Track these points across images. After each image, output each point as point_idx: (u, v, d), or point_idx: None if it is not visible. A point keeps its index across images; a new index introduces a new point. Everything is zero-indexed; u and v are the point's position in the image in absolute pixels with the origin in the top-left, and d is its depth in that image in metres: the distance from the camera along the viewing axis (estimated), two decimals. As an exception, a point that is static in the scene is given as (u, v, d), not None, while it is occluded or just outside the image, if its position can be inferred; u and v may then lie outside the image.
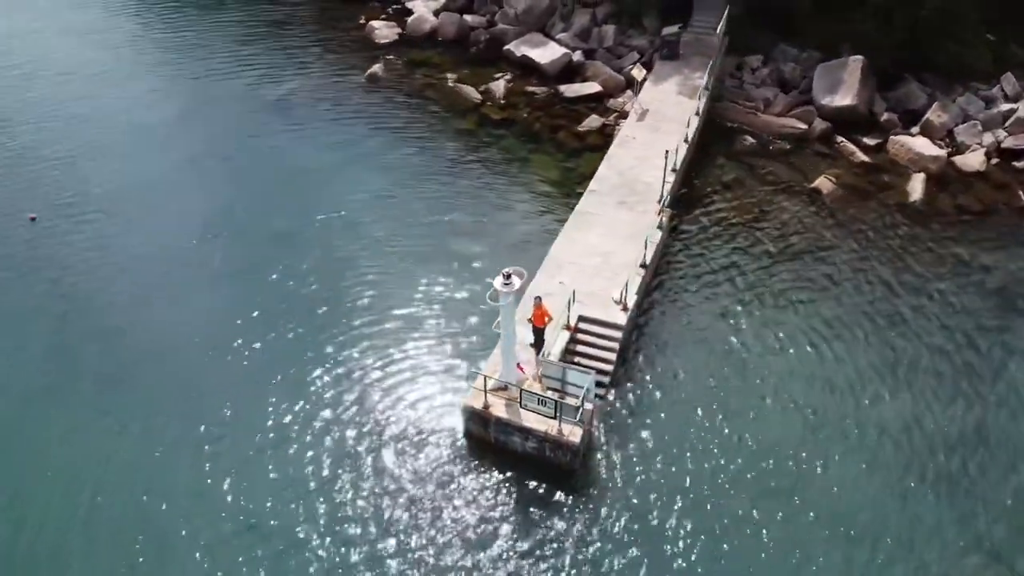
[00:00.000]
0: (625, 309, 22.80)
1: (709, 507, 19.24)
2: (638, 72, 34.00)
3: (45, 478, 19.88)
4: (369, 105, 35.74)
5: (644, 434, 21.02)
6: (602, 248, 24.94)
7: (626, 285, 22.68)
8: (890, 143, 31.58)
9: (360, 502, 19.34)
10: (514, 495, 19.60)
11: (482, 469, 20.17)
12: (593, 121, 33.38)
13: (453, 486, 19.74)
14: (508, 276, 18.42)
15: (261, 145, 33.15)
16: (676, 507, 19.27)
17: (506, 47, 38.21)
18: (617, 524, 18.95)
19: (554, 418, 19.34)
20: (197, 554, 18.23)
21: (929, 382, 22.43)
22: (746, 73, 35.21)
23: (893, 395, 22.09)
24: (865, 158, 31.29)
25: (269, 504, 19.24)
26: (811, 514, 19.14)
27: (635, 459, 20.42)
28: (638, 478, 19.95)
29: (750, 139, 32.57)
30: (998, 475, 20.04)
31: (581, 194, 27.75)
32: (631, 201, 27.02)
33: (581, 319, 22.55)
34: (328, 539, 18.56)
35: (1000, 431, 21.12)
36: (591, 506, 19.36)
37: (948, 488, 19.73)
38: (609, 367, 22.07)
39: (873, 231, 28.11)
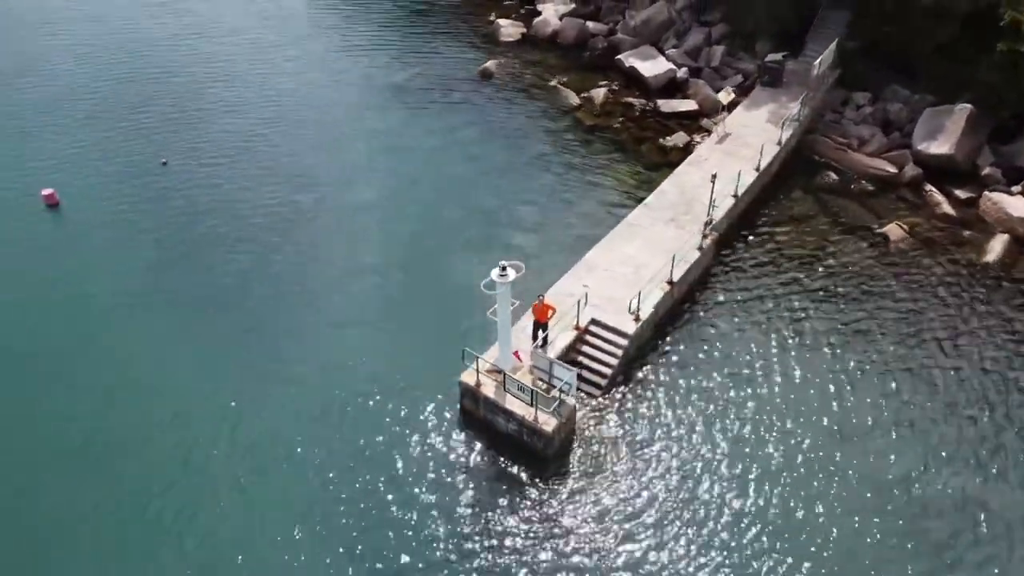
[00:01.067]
0: (637, 320, 23.79)
1: (661, 532, 19.83)
2: (725, 95, 34.15)
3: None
4: (474, 98, 38.06)
5: (624, 444, 21.93)
6: (637, 260, 25.91)
7: (639, 295, 23.64)
8: (983, 198, 30.12)
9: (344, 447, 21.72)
10: (485, 468, 21.29)
11: (465, 440, 22.00)
12: (679, 138, 34.03)
13: (434, 448, 21.69)
14: (504, 268, 20.05)
15: (369, 120, 36.38)
16: (628, 521, 20.12)
17: (618, 56, 39.34)
18: (568, 519, 20.10)
19: (531, 405, 20.83)
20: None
21: (944, 448, 21.71)
22: (849, 109, 34.49)
23: (900, 454, 21.66)
24: (950, 210, 30.07)
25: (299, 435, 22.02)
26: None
27: (607, 464, 21.40)
28: (604, 484, 20.91)
29: (833, 176, 32.03)
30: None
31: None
32: (683, 219, 27.70)
33: (592, 322, 23.79)
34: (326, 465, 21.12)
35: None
36: (551, 495, 20.65)
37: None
38: (608, 371, 23.20)
39: (935, 286, 27.17)
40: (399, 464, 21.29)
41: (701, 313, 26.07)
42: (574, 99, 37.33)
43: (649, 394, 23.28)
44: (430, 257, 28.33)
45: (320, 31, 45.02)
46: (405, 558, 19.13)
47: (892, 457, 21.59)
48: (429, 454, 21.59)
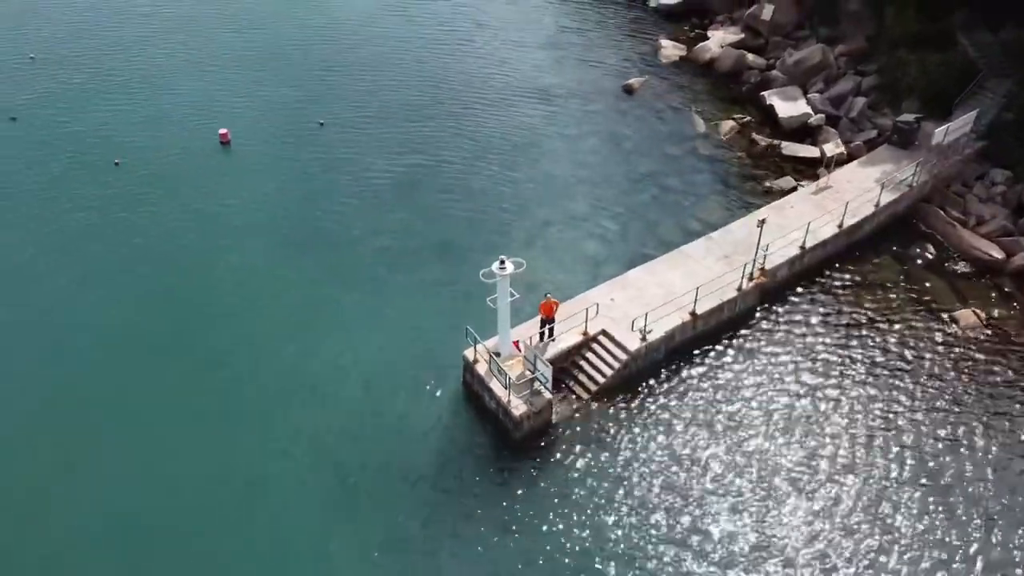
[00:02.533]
0: (643, 339, 25.09)
1: (607, 542, 21.27)
2: (834, 146, 33.30)
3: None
4: (610, 110, 39.94)
5: (593, 448, 23.60)
6: (674, 286, 26.97)
7: (646, 316, 24.91)
8: (1091, 307, 27.57)
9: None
10: (462, 433, 23.94)
11: (453, 407, 24.72)
12: (786, 182, 33.92)
13: (423, 409, 24.64)
14: (503, 262, 22.43)
15: (506, 114, 39.61)
16: (575, 517, 21.90)
17: (762, 92, 39.39)
18: (516, 499, 22.24)
19: (506, 388, 23.12)
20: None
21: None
22: (981, 185, 32.40)
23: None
24: (1046, 311, 27.88)
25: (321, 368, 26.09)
26: None
27: (563, 462, 23.24)
28: (561, 480, 22.76)
29: (932, 250, 30.60)
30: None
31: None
32: (737, 259, 28.07)
33: (602, 332, 25.44)
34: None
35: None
36: (505, 473, 22.91)
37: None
38: (601, 380, 24.82)
39: (993, 385, 25.61)
40: (405, 404, 24.71)
41: (723, 353, 26.62)
42: (701, 127, 38.11)
43: (631, 414, 24.56)
44: (492, 248, 31.02)
45: (487, 26, 48.75)
46: (355, 476, 22.49)
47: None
48: (432, 406, 24.73)
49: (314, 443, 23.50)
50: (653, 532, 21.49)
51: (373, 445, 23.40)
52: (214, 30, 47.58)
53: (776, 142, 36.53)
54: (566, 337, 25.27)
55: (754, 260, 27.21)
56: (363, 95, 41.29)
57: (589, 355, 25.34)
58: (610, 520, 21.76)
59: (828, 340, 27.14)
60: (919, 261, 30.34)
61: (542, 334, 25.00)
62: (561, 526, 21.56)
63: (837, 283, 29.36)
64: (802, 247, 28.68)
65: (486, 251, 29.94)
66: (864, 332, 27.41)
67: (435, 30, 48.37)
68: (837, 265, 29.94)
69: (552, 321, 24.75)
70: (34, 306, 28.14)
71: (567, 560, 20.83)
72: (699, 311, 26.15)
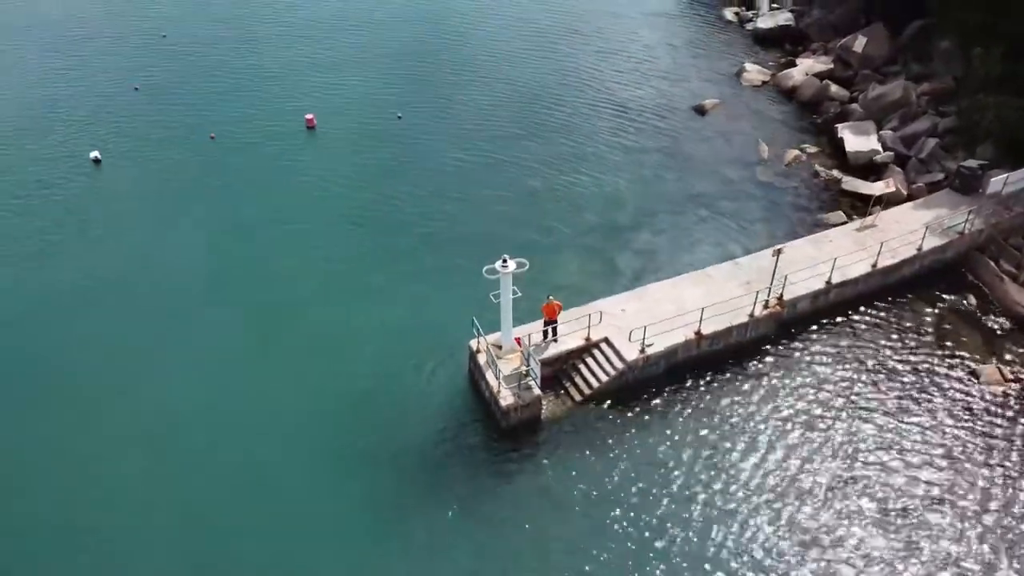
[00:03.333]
0: (642, 352, 25.91)
1: (562, 533, 22.33)
2: (884, 186, 32.51)
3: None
4: (678, 127, 40.47)
5: (576, 445, 24.63)
6: (686, 304, 27.51)
7: (644, 329, 25.70)
8: None
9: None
10: (455, 414, 25.54)
11: (455, 389, 26.37)
12: (836, 216, 33.55)
13: (427, 386, 26.44)
14: (505, 260, 23.84)
15: (576, 124, 40.91)
16: (540, 504, 23.10)
17: (837, 124, 38.87)
18: (489, 480, 23.66)
19: (496, 379, 24.57)
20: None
21: None
22: (1045, 240, 31.04)
23: None
24: (1082, 378, 26.57)
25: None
26: None
27: (550, 456, 24.40)
28: (536, 469, 24.02)
29: (973, 301, 29.64)
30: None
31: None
32: (758, 285, 28.21)
33: (604, 340, 26.43)
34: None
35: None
36: (485, 455, 24.36)
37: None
38: (596, 384, 25.82)
39: (995, 443, 24.74)
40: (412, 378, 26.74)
41: (725, 376, 26.93)
42: (765, 153, 38.07)
43: (619, 420, 25.43)
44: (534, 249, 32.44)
45: (580, 34, 49.97)
46: (346, 435, 24.61)
47: None
48: (436, 385, 26.59)
49: (318, 397, 25.84)
50: (613, 530, 22.33)
51: (372, 409, 25.41)
52: (314, 27, 51.31)
53: (838, 176, 36.10)
54: (569, 340, 26.42)
55: (770, 289, 27.41)
56: (443, 93, 43.64)
57: (588, 360, 26.38)
58: (572, 513, 22.78)
59: (836, 377, 26.96)
60: (957, 310, 29.45)
61: (545, 333, 26.27)
62: (522, 512, 22.81)
63: (861, 323, 28.98)
64: (827, 282, 28.55)
65: (523, 248, 30.80)
66: (876, 375, 27.03)
67: (528, 34, 50.31)
68: (866, 305, 29.50)
69: (555, 322, 25.98)
70: (127, 250, 32.34)
71: (520, 541, 22.10)
72: (705, 331, 26.65)
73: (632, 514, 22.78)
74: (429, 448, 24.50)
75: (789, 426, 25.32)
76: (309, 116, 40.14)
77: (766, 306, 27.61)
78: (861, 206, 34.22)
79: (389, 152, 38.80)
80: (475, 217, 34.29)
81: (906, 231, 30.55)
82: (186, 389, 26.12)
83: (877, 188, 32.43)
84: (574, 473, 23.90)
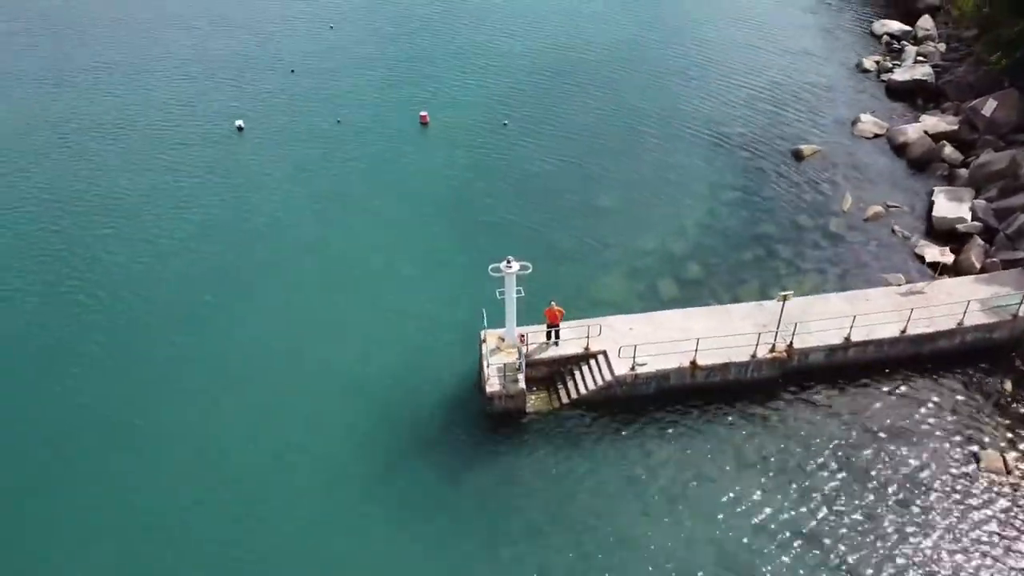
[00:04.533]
0: (632, 369, 27.33)
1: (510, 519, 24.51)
2: (939, 254, 31.18)
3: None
4: (768, 168, 40.42)
5: (552, 440, 26.68)
6: (692, 332, 28.44)
7: (635, 349, 27.06)
8: None
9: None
10: (454, 394, 28.18)
11: (464, 372, 28.96)
12: (894, 278, 32.64)
13: (439, 362, 29.26)
14: (509, 261, 26.20)
15: (673, 152, 42.09)
16: (502, 483, 25.40)
17: (935, 187, 37.54)
18: (466, 459, 26.16)
19: (487, 367, 27.00)
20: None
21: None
22: (1113, 338, 28.87)
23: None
24: (1098, 484, 24.85)
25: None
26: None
27: (524, 445, 26.59)
28: (509, 452, 26.31)
29: (1008, 385, 28.30)
30: None
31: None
32: (768, 327, 28.54)
33: (602, 352, 28.07)
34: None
35: None
36: (468, 436, 26.86)
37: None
38: (583, 391, 27.59)
39: (973, 531, 23.98)
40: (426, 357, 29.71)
41: (714, 410, 27.71)
42: (847, 205, 37.48)
43: (598, 426, 27.10)
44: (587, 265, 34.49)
45: (701, 58, 50.67)
46: (348, 395, 27.87)
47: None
48: (447, 363, 29.43)
49: (364, 360, 29.50)
50: (561, 526, 24.27)
51: (380, 376, 28.65)
52: (440, 31, 55.35)
53: (913, 238, 35.03)
54: (569, 346, 28.31)
55: (776, 333, 27.80)
56: (551, 105, 45.95)
57: (584, 367, 28.14)
58: (528, 501, 24.86)
59: (828, 435, 26.91)
60: (988, 393, 28.25)
61: (548, 334, 28.31)
62: (482, 486, 25.23)
63: (877, 387, 28.51)
64: (846, 339, 28.39)
65: (574, 258, 34.57)
66: (874, 442, 26.64)
67: (650, 58, 51.47)
68: (890, 370, 28.95)
69: (556, 327, 27.96)
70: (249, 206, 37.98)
71: (463, 517, 24.47)
72: (701, 362, 27.58)
73: (586, 508, 24.57)
74: (423, 416, 27.41)
75: (767, 474, 25.70)
76: (423, 113, 44.16)
77: (772, 350, 28.01)
78: (925, 272, 33.21)
79: (490, 154, 41.89)
80: (539, 218, 36.68)
81: (952, 302, 29.54)
82: (259, 333, 30.70)
83: (931, 254, 31.42)
84: (539, 461, 25.95)
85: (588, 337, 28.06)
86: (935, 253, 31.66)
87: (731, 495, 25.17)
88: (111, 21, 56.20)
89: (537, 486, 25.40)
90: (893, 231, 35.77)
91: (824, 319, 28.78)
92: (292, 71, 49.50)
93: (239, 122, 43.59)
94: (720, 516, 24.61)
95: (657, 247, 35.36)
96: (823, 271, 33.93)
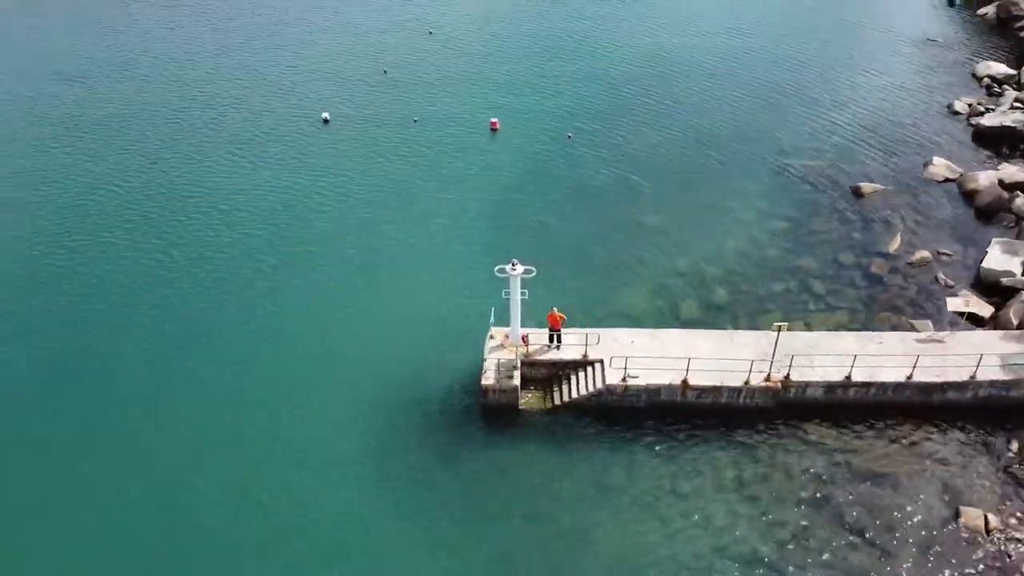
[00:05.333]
0: (623, 381, 28.36)
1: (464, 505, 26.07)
2: (962, 303, 30.13)
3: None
4: (823, 203, 40.11)
5: (537, 436, 28.14)
6: (692, 352, 28.91)
7: (626, 361, 28.07)
8: None
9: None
10: (459, 383, 29.99)
11: (474, 363, 30.74)
12: (922, 325, 32.02)
13: (454, 353, 31.16)
14: (513, 263, 27.81)
15: (735, 174, 42.43)
16: (480, 468, 27.12)
17: (994, 238, 36.27)
18: (448, 451, 27.82)
19: (483, 360, 28.73)
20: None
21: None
22: None
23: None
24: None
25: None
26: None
27: (508, 437, 28.18)
28: (495, 458, 27.71)
29: (1015, 446, 27.35)
30: None
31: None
32: (769, 356, 28.71)
33: (599, 360, 29.21)
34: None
35: None
36: (459, 421, 28.65)
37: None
38: (575, 395, 28.86)
39: (941, 588, 23.70)
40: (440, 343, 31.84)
41: (701, 431, 28.23)
42: (895, 246, 36.75)
43: (583, 430, 28.31)
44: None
45: (779, 88, 50.22)
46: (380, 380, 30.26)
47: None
48: (460, 355, 31.16)
49: (368, 332, 32.16)
50: (529, 516, 25.71)
51: (399, 357, 30.84)
52: (525, 43, 57.53)
53: (955, 287, 34.05)
54: (570, 351, 29.62)
55: (771, 362, 28.09)
56: (619, 121, 47.45)
57: (580, 373, 29.37)
58: (504, 489, 26.43)
59: (812, 471, 26.91)
60: (991, 451, 27.42)
61: (551, 338, 29.73)
62: (463, 470, 27.00)
63: (874, 430, 28.21)
64: (847, 377, 28.28)
65: (607, 266, 36.02)
66: (857, 484, 26.35)
67: (739, 70, 52.15)
68: (891, 415, 28.52)
69: (558, 332, 29.34)
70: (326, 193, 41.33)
71: (442, 498, 26.28)
72: (692, 381, 28.25)
73: (556, 503, 25.91)
74: (427, 399, 29.43)
75: (741, 501, 26.02)
76: (494, 120, 46.34)
77: (767, 379, 28.31)
78: (958, 322, 32.27)
79: (551, 163, 43.64)
80: (588, 232, 38.00)
81: (968, 354, 28.78)
82: (300, 306, 33.85)
83: (953, 304, 30.60)
84: (522, 454, 27.49)
85: (586, 345, 29.25)
86: (958, 303, 30.78)
87: (699, 515, 25.72)
88: (248, 19, 61.87)
89: (516, 476, 26.88)
90: (936, 278, 34.86)
91: (829, 355, 28.83)
92: (384, 71, 52.88)
93: (325, 114, 47.17)
94: (684, 533, 25.27)
95: (690, 268, 35.99)
96: (853, 310, 33.57)
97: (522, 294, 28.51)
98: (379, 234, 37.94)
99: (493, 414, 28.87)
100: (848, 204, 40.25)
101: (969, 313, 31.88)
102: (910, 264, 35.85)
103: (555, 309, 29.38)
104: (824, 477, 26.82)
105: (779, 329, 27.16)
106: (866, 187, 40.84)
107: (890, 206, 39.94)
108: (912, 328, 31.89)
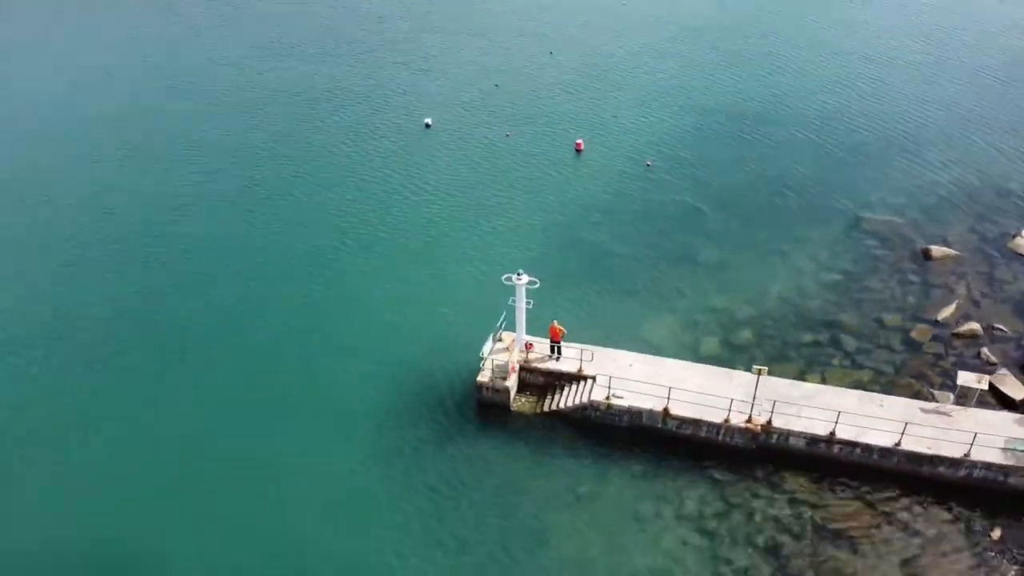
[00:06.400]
0: (607, 399, 29.72)
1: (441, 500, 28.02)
2: (976, 379, 28.55)
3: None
4: (885, 259, 39.03)
5: (524, 436, 30.06)
6: (684, 384, 29.56)
7: (610, 379, 29.37)
8: None
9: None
10: (462, 378, 32.42)
11: (474, 365, 32.98)
12: (943, 396, 30.88)
13: (464, 348, 33.62)
14: (520, 273, 29.89)
15: (800, 220, 42.20)
16: (463, 463, 29.35)
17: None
18: (438, 440, 30.16)
19: (483, 359, 30.99)
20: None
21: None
22: None
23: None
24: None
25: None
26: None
27: (495, 433, 30.25)
28: (467, 439, 29.93)
29: (997, 532, 26.10)
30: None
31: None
32: (759, 399, 28.90)
33: (592, 377, 30.69)
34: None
35: None
36: (453, 414, 30.99)
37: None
38: (562, 405, 30.55)
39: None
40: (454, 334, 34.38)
41: (681, 463, 28.93)
42: (945, 315, 35.25)
43: (566, 437, 29.92)
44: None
45: (863, 144, 48.64)
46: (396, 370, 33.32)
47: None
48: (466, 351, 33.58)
49: (402, 326, 35.13)
50: (491, 511, 27.54)
51: (401, 353, 33.53)
52: (630, 68, 58.68)
53: (996, 366, 32.42)
54: (567, 364, 31.29)
55: (752, 405, 28.44)
56: (704, 151, 48.15)
57: (573, 385, 30.98)
58: (479, 481, 28.47)
59: (777, 519, 26.86)
60: (971, 535, 26.31)
61: (552, 348, 31.53)
62: (448, 459, 29.32)
63: (853, 491, 27.75)
64: (831, 434, 28.11)
65: (644, 292, 37.42)
66: (820, 542, 26.08)
67: (845, 111, 51.52)
68: (876, 481, 27.92)
69: (558, 344, 31.09)
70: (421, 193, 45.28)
71: (426, 489, 28.56)
72: (672, 411, 29.14)
73: (520, 502, 27.60)
74: (432, 389, 32.03)
75: (698, 534, 26.57)
76: (579, 140, 48.35)
77: (749, 420, 28.69)
78: (987, 400, 30.85)
79: (625, 188, 45.30)
80: (640, 258, 39.46)
81: (968, 431, 27.71)
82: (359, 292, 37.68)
83: (964, 378, 29.30)
84: (504, 452, 29.49)
85: (581, 360, 30.81)
86: (970, 378, 29.41)
87: (653, 541, 26.46)
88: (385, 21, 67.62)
89: (494, 468, 28.76)
90: (979, 354, 33.31)
91: (820, 408, 28.72)
92: (496, 85, 56.21)
93: (428, 120, 51.06)
94: (630, 552, 26.26)
95: (725, 307, 36.38)
96: (878, 371, 32.72)
97: (528, 303, 30.52)
98: (440, 239, 40.86)
99: (487, 411, 31.04)
100: (913, 266, 38.93)
101: (1002, 393, 30.54)
102: (955, 335, 34.41)
103: (555, 322, 31.15)
104: (784, 525, 26.89)
105: (759, 372, 27.51)
106: (937, 250, 39.28)
107: (957, 273, 38.27)
108: (932, 398, 30.89)
